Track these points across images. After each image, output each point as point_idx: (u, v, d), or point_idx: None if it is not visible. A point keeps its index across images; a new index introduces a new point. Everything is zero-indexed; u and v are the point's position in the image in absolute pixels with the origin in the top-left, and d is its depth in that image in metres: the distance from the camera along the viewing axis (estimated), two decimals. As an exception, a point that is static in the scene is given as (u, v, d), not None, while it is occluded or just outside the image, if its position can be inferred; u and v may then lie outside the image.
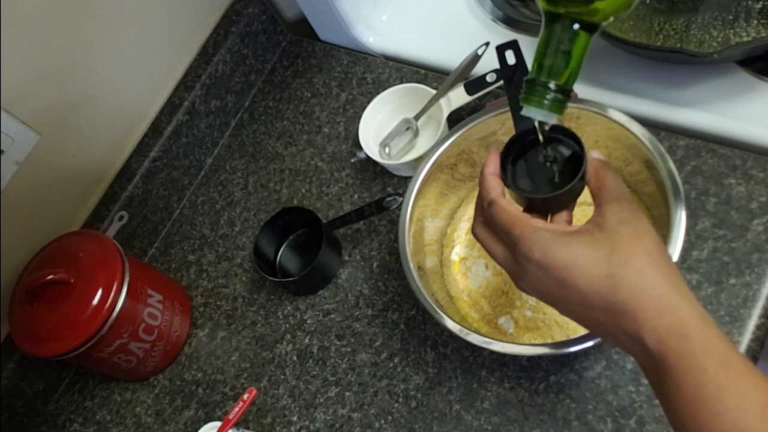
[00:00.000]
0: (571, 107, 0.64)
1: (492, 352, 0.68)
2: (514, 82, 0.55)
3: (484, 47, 0.77)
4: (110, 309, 0.71)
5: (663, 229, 0.56)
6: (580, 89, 0.73)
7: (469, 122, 0.68)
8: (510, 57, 0.55)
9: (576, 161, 0.49)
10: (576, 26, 0.45)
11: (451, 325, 0.59)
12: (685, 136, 0.70)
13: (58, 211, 0.83)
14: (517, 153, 0.52)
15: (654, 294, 0.41)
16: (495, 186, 0.49)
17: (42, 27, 0.73)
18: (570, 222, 0.50)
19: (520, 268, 0.46)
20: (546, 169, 0.51)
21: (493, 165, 0.51)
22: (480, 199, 0.50)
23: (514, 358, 0.67)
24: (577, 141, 0.50)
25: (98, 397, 0.84)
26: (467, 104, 0.77)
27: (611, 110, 0.62)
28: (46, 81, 0.75)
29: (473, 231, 0.51)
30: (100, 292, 0.71)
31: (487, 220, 0.49)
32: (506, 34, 0.85)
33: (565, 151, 0.50)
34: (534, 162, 0.51)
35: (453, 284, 0.71)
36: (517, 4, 0.87)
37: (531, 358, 0.66)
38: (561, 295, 0.44)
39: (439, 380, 0.69)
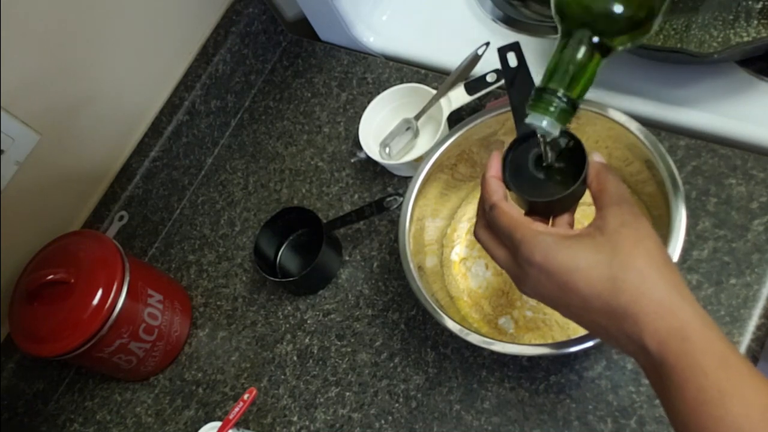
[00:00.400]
0: (571, 107, 0.64)
1: (492, 353, 0.67)
2: (515, 84, 0.55)
3: (484, 47, 0.77)
4: (110, 309, 0.71)
5: (663, 229, 0.56)
6: (580, 89, 0.73)
7: (470, 122, 0.68)
8: (512, 59, 0.55)
9: (578, 164, 0.49)
10: (592, 49, 0.46)
11: (451, 325, 0.59)
12: (686, 136, 0.70)
13: (58, 211, 0.83)
14: (519, 155, 0.52)
15: (655, 297, 0.41)
16: (497, 189, 0.49)
17: (42, 27, 0.73)
18: (572, 224, 0.50)
19: (521, 272, 0.46)
20: (548, 171, 0.50)
21: (494, 168, 0.51)
22: (482, 202, 0.51)
23: (515, 359, 0.67)
24: (579, 144, 0.50)
25: (98, 397, 0.84)
26: (467, 104, 0.77)
27: (611, 110, 0.62)
28: (46, 81, 0.75)
29: (475, 234, 0.52)
30: (100, 292, 0.71)
31: (488, 224, 0.49)
32: (506, 34, 0.84)
33: (567, 154, 0.50)
34: (536, 165, 0.51)
35: (453, 284, 0.71)
36: (518, 4, 0.87)
37: (531, 359, 0.66)
38: (562, 298, 0.44)
39: (440, 380, 0.69)
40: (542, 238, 0.44)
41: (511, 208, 0.48)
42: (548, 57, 0.47)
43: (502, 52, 0.56)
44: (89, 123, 0.82)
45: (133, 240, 0.89)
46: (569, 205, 0.50)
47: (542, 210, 0.51)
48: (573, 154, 0.50)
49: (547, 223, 0.51)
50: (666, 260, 0.43)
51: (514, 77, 0.55)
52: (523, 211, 0.49)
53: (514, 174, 0.51)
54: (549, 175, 0.50)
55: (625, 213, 0.44)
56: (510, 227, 0.46)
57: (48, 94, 0.76)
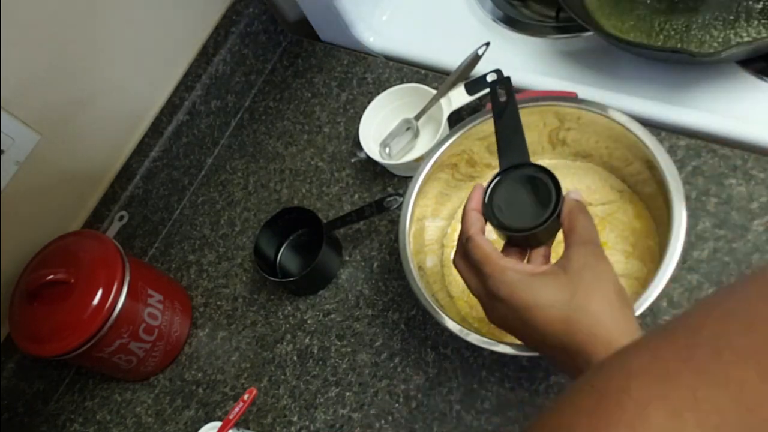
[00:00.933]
0: (571, 107, 0.64)
1: (492, 353, 0.67)
2: (504, 117, 0.56)
3: (484, 47, 0.77)
4: (110, 309, 0.71)
5: (664, 229, 0.56)
6: (580, 89, 0.73)
7: (470, 122, 0.68)
8: (502, 93, 0.57)
9: (556, 201, 0.51)
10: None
11: (451, 325, 0.59)
12: (686, 136, 0.70)
13: (58, 211, 0.83)
14: (501, 189, 0.54)
15: (605, 340, 0.43)
16: (474, 222, 0.52)
17: (42, 27, 0.73)
18: (548, 257, 0.53)
19: (490, 303, 0.50)
20: (528, 206, 0.53)
21: (475, 200, 0.54)
22: (460, 233, 0.54)
23: (515, 359, 0.67)
24: (555, 182, 0.52)
25: (98, 397, 0.84)
26: (468, 104, 0.77)
27: (612, 110, 0.62)
28: (46, 81, 0.75)
29: (453, 262, 0.54)
30: (100, 292, 0.71)
31: (465, 254, 0.52)
32: (506, 34, 0.84)
33: (546, 190, 0.52)
34: (516, 198, 0.53)
35: (453, 284, 0.71)
36: (517, 4, 0.87)
37: (531, 359, 0.66)
38: (524, 331, 0.48)
39: (440, 380, 0.69)
40: (509, 274, 0.48)
41: (484, 242, 0.50)
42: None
43: (493, 86, 0.58)
44: (89, 123, 0.82)
45: (133, 240, 0.89)
46: (545, 239, 0.53)
47: (519, 242, 0.53)
48: (553, 191, 0.52)
49: (525, 255, 0.53)
50: (621, 304, 0.45)
51: (503, 111, 0.56)
52: (494, 246, 0.51)
53: (496, 207, 0.53)
54: (529, 210, 0.52)
55: (588, 254, 0.47)
56: (481, 261, 0.49)
57: (48, 94, 0.76)
